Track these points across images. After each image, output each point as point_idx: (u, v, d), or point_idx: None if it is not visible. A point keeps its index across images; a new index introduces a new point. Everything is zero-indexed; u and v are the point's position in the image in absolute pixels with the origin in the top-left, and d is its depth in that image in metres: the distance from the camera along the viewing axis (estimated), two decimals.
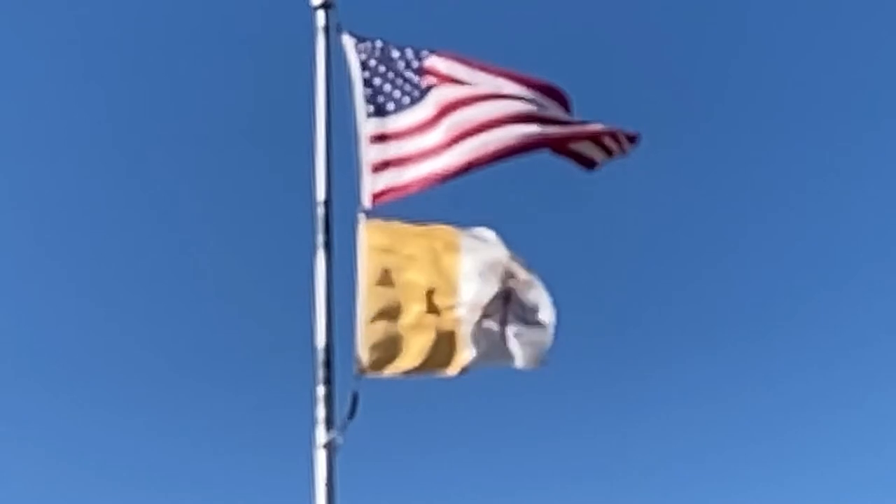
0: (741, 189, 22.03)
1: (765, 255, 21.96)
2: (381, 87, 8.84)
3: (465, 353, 8.20)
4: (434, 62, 8.92)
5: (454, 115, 8.68)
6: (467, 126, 8.64)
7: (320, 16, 8.94)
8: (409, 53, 8.96)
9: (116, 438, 19.11)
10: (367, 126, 8.69)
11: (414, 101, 8.82)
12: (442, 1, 21.15)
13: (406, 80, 8.88)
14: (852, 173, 21.97)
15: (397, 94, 8.84)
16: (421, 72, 8.90)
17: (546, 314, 8.32)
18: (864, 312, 21.17)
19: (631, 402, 20.16)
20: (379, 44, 8.98)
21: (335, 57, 8.86)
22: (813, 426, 20.46)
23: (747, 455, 19.81)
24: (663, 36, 22.20)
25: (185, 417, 19.39)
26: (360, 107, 8.75)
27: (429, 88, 8.81)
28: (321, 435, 7.86)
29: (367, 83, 8.82)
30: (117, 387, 19.74)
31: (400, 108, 8.81)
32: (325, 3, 8.96)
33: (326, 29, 8.92)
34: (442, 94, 8.78)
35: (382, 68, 8.89)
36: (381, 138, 8.67)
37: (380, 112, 8.76)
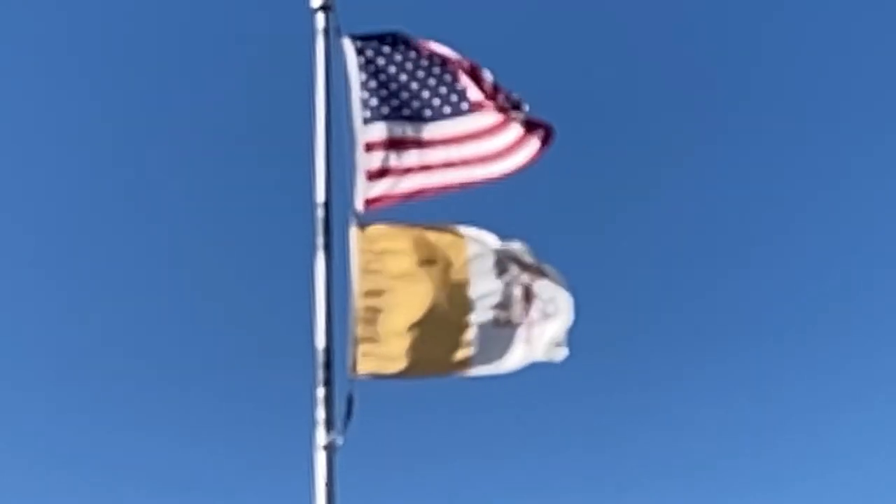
0: (751, 195, 22.07)
1: (774, 260, 22.00)
2: (378, 91, 8.82)
3: (464, 356, 8.21)
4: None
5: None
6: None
7: (320, 18, 8.95)
8: (424, 60, 8.94)
9: (116, 439, 19.14)
10: (363, 131, 8.69)
11: (448, 113, 8.83)
12: (441, 2, 21.15)
13: (424, 87, 8.87)
14: (862, 181, 22.02)
15: (395, 101, 8.82)
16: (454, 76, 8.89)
17: (563, 302, 8.40)
18: (873, 316, 21.23)
19: (638, 407, 20.18)
20: (386, 48, 8.96)
21: (335, 59, 8.89)
22: (821, 430, 20.50)
23: (755, 458, 19.83)
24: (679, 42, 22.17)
25: (185, 418, 19.42)
26: (357, 111, 8.74)
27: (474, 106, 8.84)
28: (321, 436, 7.87)
29: (365, 87, 8.80)
30: (118, 388, 19.77)
31: (404, 116, 8.80)
32: (325, 5, 8.97)
33: (326, 31, 8.93)
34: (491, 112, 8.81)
35: (383, 75, 8.87)
36: (377, 145, 8.65)
37: (377, 118, 8.73)
